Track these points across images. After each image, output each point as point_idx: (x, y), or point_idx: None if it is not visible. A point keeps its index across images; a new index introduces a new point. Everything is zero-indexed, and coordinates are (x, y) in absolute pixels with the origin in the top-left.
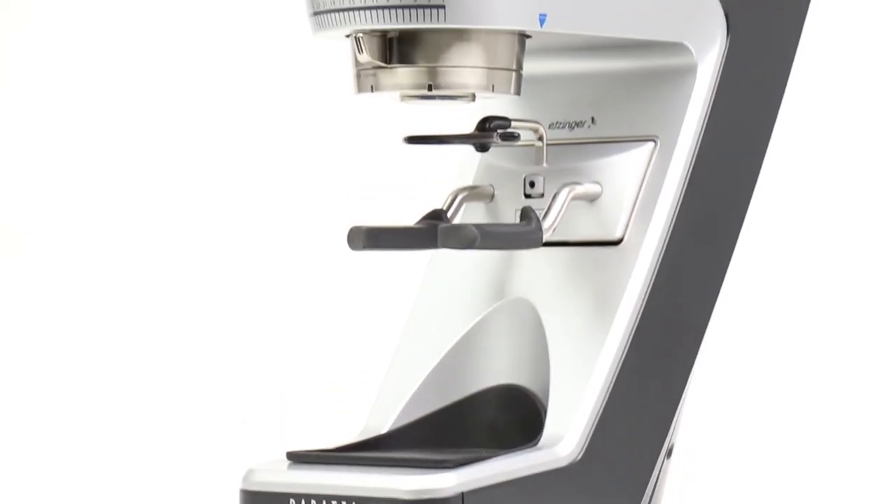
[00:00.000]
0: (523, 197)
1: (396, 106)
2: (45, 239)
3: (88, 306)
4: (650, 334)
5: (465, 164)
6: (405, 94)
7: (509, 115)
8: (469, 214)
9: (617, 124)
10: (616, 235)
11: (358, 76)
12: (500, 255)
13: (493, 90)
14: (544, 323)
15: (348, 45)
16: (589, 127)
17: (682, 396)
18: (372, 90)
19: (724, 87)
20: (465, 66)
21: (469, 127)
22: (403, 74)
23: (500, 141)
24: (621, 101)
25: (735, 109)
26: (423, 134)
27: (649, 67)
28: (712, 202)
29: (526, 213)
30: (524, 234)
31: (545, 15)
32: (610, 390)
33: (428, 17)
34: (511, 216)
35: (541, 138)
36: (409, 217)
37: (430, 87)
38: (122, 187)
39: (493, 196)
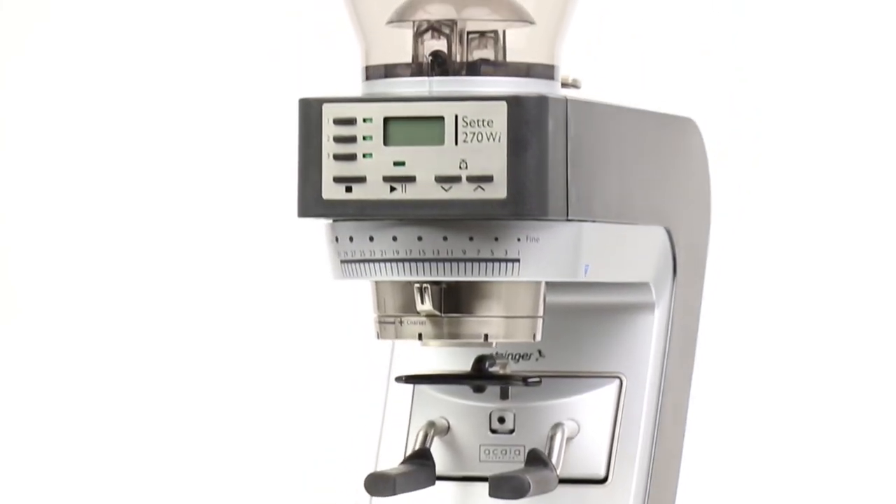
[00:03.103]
0: (489, 433)
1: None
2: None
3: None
4: None
5: (393, 393)
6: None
7: None
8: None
9: (570, 360)
10: (600, 474)
11: (393, 323)
12: (455, 488)
13: (533, 338)
14: None
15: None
16: (537, 360)
17: None
18: (420, 339)
19: (674, 323)
20: (514, 316)
21: None
22: (458, 324)
23: (522, 384)
24: (572, 337)
25: (680, 340)
26: (418, 374)
27: (604, 304)
28: (675, 425)
29: (537, 456)
30: (552, 479)
31: (588, 265)
32: None
33: (502, 270)
34: (475, 452)
35: (508, 377)
36: None
37: (485, 338)
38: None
39: (448, 429)
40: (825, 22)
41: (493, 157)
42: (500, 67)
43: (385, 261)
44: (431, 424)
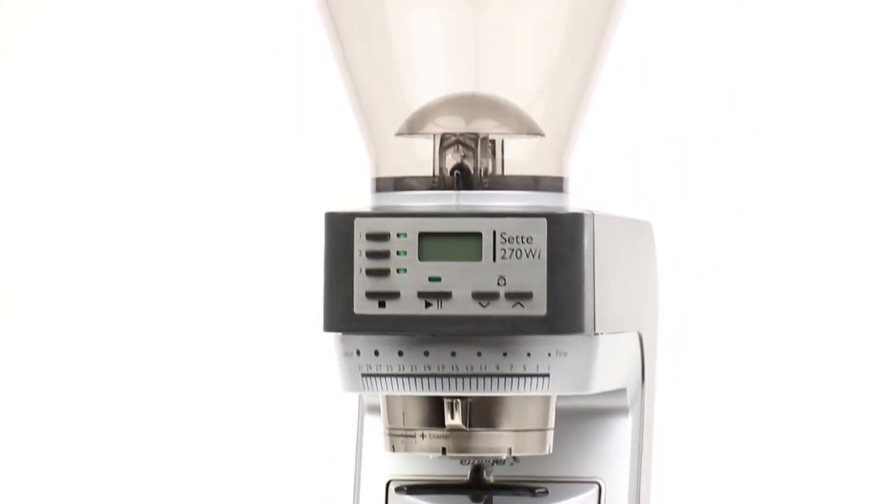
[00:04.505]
0: None
1: None
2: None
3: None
4: None
5: (365, 495)
6: (460, 455)
7: None
8: None
9: (545, 465)
10: None
11: (413, 437)
12: None
13: (548, 450)
14: None
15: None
16: (511, 465)
17: None
18: (443, 453)
19: (644, 426)
20: (534, 430)
21: None
22: (483, 439)
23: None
24: None
25: (648, 443)
26: (419, 483)
27: (580, 408)
28: None
29: None
30: None
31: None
32: None
33: (533, 386)
34: None
35: (513, 487)
36: None
37: (510, 451)
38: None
39: None
40: (825, 20)
41: (532, 274)
42: (523, 181)
43: (416, 376)
44: None
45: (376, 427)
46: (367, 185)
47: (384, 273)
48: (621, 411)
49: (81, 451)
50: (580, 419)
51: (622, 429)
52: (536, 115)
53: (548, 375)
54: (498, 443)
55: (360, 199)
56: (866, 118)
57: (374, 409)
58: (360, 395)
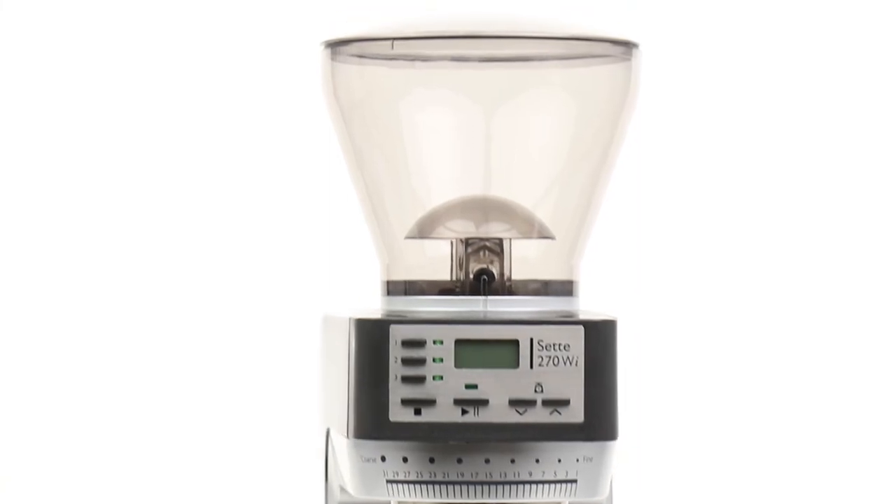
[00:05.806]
0: None
1: None
2: None
3: None
4: None
5: None
6: None
7: None
8: None
9: None
10: None
11: None
12: None
13: None
14: None
15: None
16: None
17: None
18: None
19: None
20: None
21: None
22: None
23: None
24: None
25: None
26: None
27: None
28: None
29: None
30: None
31: None
32: None
33: (562, 492)
34: None
35: None
36: None
37: None
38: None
39: None
40: (827, 28)
41: (570, 381)
42: (540, 285)
43: (449, 483)
44: None
45: None
46: (376, 288)
47: (420, 380)
48: None
49: (80, 450)
50: None
51: None
52: (547, 218)
53: (575, 481)
54: None
55: (361, 301)
56: (870, 125)
57: None
58: (326, 490)
